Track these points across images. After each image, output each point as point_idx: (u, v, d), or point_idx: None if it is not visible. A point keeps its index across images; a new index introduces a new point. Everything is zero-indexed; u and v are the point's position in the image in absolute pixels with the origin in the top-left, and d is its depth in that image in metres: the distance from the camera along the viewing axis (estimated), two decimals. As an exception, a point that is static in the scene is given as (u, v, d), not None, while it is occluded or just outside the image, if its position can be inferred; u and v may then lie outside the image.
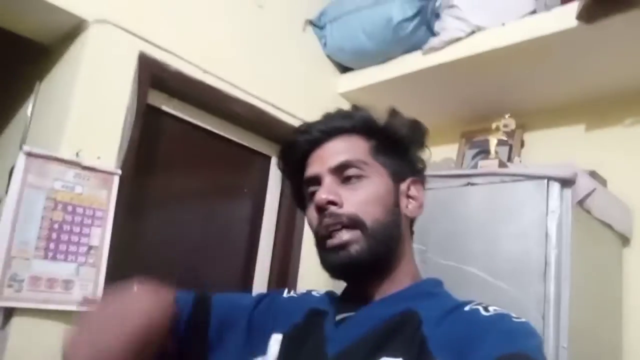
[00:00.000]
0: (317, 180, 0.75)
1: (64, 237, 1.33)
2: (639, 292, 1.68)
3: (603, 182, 1.66)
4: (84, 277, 1.35)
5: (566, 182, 1.44)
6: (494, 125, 1.87)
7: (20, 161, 1.29)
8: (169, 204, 1.76)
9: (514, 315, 0.63)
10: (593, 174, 1.57)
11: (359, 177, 0.73)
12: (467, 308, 0.66)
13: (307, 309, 0.80)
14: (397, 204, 0.75)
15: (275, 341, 0.76)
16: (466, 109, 2.19)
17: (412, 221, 0.79)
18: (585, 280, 1.47)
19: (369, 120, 0.77)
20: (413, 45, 1.96)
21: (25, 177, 1.29)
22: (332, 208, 0.71)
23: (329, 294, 0.83)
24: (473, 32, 1.80)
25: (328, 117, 0.79)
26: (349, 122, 0.77)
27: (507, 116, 1.85)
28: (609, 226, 1.62)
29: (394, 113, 0.79)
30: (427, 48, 1.90)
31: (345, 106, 2.29)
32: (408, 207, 0.76)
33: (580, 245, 1.45)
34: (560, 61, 1.75)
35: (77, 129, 1.41)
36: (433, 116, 2.31)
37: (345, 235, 0.70)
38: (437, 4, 1.93)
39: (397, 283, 0.73)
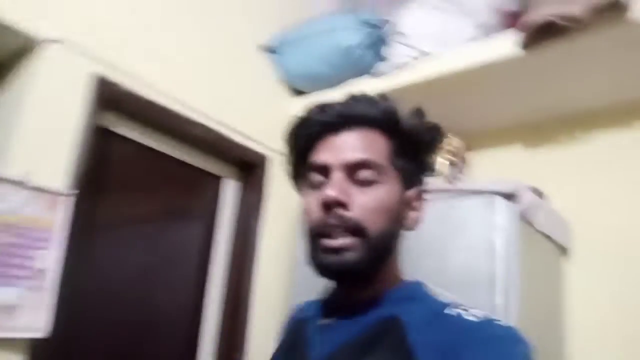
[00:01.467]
0: (325, 169, 0.71)
1: (9, 260, 1.28)
2: (578, 300, 1.77)
3: (542, 197, 1.75)
4: (29, 302, 1.29)
5: (509, 196, 1.52)
6: (441, 146, 1.95)
7: (-37, 182, 1.24)
8: (120, 227, 1.72)
9: (498, 319, 0.63)
10: (533, 189, 1.66)
11: (371, 181, 0.70)
12: (451, 312, 0.65)
13: (293, 322, 0.83)
14: (401, 213, 0.72)
15: None
16: (414, 131, 2.27)
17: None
18: (530, 291, 1.54)
19: (394, 116, 0.73)
20: (363, 70, 2.03)
21: (-32, 198, 1.24)
22: (339, 209, 0.68)
23: (312, 301, 0.83)
24: (419, 57, 1.88)
25: (351, 100, 0.74)
26: (373, 111, 0.72)
27: (450, 135, 1.94)
28: (549, 238, 1.71)
29: (420, 114, 0.76)
30: (376, 72, 1.97)
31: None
32: (410, 218, 0.74)
33: (525, 257, 1.52)
34: (502, 85, 1.85)
35: (26, 149, 1.37)
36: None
37: (345, 240, 0.67)
38: (385, 30, 2.01)
39: (380, 287, 0.72)
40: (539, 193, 1.67)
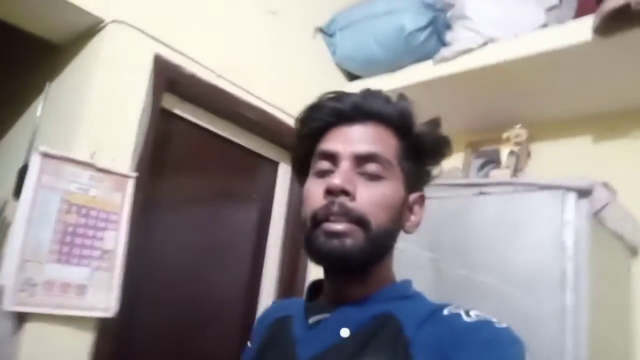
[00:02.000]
0: (333, 158, 0.70)
1: (78, 240, 1.30)
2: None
3: (614, 194, 1.67)
4: (97, 282, 1.31)
5: (583, 193, 1.45)
6: (504, 136, 1.88)
7: (35, 162, 1.26)
8: (177, 208, 1.73)
9: (495, 320, 0.62)
10: (607, 186, 1.58)
11: (377, 176, 0.69)
12: (446, 312, 0.65)
13: (271, 320, 0.80)
14: (402, 214, 0.72)
15: None
16: (473, 119, 2.20)
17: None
18: (600, 291, 1.48)
19: (409, 119, 0.73)
20: (423, 55, 1.97)
21: (40, 178, 1.26)
22: (343, 198, 0.67)
23: (293, 300, 0.82)
24: (485, 44, 1.81)
25: (368, 94, 0.73)
26: (389, 109, 0.72)
27: (518, 126, 1.86)
28: (620, 237, 1.63)
29: (436, 123, 0.75)
30: (438, 58, 1.91)
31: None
32: (409, 221, 0.74)
33: (596, 256, 1.46)
34: (571, 74, 1.77)
35: (91, 130, 1.38)
36: (439, 126, 2.33)
37: (346, 226, 0.66)
38: (449, 14, 1.94)
39: (373, 285, 0.71)
40: (611, 189, 1.59)
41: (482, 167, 2.11)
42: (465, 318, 0.62)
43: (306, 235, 0.69)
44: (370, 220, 0.67)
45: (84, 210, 1.32)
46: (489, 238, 1.61)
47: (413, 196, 0.74)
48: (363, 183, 0.68)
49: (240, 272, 1.90)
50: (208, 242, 1.80)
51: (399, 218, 0.71)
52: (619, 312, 1.65)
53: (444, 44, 1.94)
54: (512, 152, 1.87)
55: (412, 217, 0.74)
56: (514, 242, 1.55)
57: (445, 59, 1.90)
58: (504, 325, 0.62)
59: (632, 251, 1.73)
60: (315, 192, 0.69)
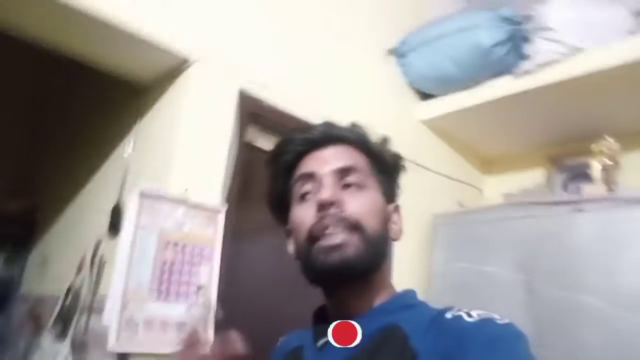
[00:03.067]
0: (313, 178, 0.73)
1: (175, 277, 1.31)
2: None
3: None
4: (194, 317, 1.32)
5: (698, 208, 1.35)
6: (594, 148, 1.78)
7: (133, 201, 1.29)
8: (259, 238, 1.73)
9: (497, 317, 0.62)
10: None
11: (359, 185, 0.72)
12: (449, 315, 0.65)
13: (283, 354, 0.81)
14: (386, 222, 0.75)
15: None
16: (554, 132, 2.11)
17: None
18: None
19: (367, 139, 0.78)
20: (501, 70, 1.91)
21: (139, 217, 1.28)
22: (334, 210, 0.69)
23: (303, 331, 0.81)
24: (570, 54, 1.73)
25: (327, 124, 0.78)
26: (350, 134, 0.77)
27: (609, 138, 1.77)
28: None
29: (385, 141, 0.80)
30: (520, 71, 1.84)
31: (428, 134, 2.22)
32: (392, 230, 0.76)
33: None
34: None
35: (183, 167, 1.40)
36: (517, 140, 2.26)
37: (343, 237, 0.68)
38: (528, 27, 1.87)
39: (376, 297, 0.72)
40: None
41: (567, 181, 2.01)
42: (467, 319, 0.62)
43: (304, 259, 0.72)
44: (363, 224, 0.69)
45: (178, 247, 1.33)
46: (590, 257, 1.53)
47: (390, 206, 0.77)
48: (348, 194, 0.71)
49: (314, 298, 1.87)
50: (293, 271, 1.78)
51: (386, 224, 0.74)
52: None
53: (521, 57, 1.88)
54: (604, 165, 1.77)
55: (394, 226, 0.77)
56: (618, 260, 1.47)
57: (525, 72, 1.83)
58: (506, 321, 0.62)
59: None
60: (304, 213, 0.72)
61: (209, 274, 1.37)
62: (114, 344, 1.19)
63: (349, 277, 0.69)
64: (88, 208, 1.79)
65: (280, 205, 0.79)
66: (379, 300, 0.72)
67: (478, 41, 1.85)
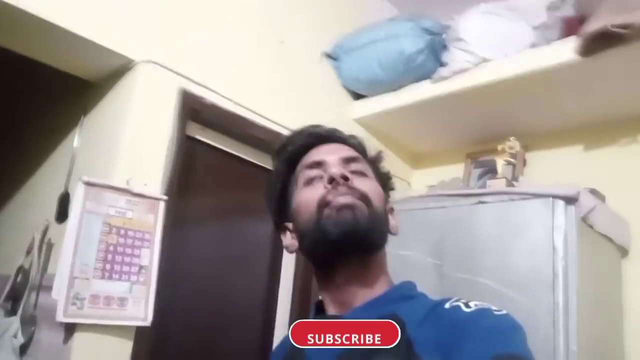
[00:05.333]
0: (320, 165, 0.77)
1: (118, 258, 1.46)
2: (637, 299, 1.82)
3: (602, 199, 1.81)
4: (136, 295, 1.47)
5: (570, 200, 1.59)
6: (499, 147, 2.03)
7: (80, 190, 1.42)
8: (201, 225, 1.90)
9: (494, 308, 0.64)
10: (593, 192, 1.72)
11: (363, 173, 0.77)
12: (447, 305, 0.66)
13: (284, 350, 0.79)
14: (386, 212, 0.78)
15: None
16: (471, 132, 2.35)
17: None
18: (590, 289, 1.61)
19: (367, 148, 0.85)
20: (423, 75, 2.12)
21: (85, 204, 1.42)
22: (343, 182, 0.72)
23: None
24: (479, 64, 1.96)
25: (332, 128, 0.85)
26: (353, 139, 0.84)
27: (512, 138, 2.01)
28: (609, 239, 1.77)
29: (380, 155, 0.86)
30: (436, 77, 2.06)
31: (361, 132, 2.42)
32: (391, 223, 0.79)
33: (585, 257, 1.59)
34: (559, 90, 1.92)
35: (126, 159, 1.54)
36: (440, 138, 2.48)
37: (354, 200, 0.71)
38: (445, 37, 2.09)
39: (374, 289, 0.73)
40: (598, 195, 1.73)
41: (481, 176, 2.26)
42: (464, 309, 0.64)
43: (312, 231, 0.72)
44: (371, 199, 0.73)
45: (122, 231, 1.48)
46: (488, 244, 1.75)
47: (388, 205, 0.81)
48: (354, 176, 0.75)
49: (259, 280, 2.06)
50: (230, 254, 1.96)
51: (386, 213, 0.77)
52: (610, 309, 1.78)
53: (441, 64, 2.10)
54: (507, 162, 2.01)
55: (392, 221, 0.79)
56: (511, 247, 1.69)
57: (442, 78, 2.06)
58: (503, 312, 0.63)
59: (622, 252, 1.87)
60: (312, 191, 0.74)
61: (150, 257, 1.53)
62: (61, 316, 1.33)
63: (358, 240, 0.70)
64: (36, 195, 1.90)
65: (280, 197, 0.81)
66: (379, 289, 0.73)
67: (401, 48, 2.05)
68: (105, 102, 1.69)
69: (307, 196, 0.74)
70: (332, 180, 0.72)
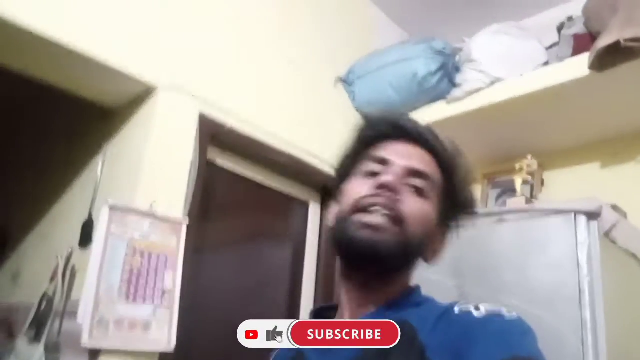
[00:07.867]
0: (385, 164, 0.74)
1: (142, 281, 1.47)
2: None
3: (624, 215, 1.79)
4: (160, 319, 1.48)
5: (592, 215, 1.58)
6: (517, 166, 2.03)
7: (104, 213, 1.44)
8: (220, 250, 1.91)
9: (505, 312, 0.63)
10: (615, 207, 1.71)
11: (421, 192, 0.73)
12: (457, 310, 0.66)
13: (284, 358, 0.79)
14: (428, 238, 0.75)
15: None
16: (487, 152, 2.35)
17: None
18: (616, 305, 1.59)
19: (454, 164, 0.78)
20: (436, 97, 2.15)
21: (109, 228, 1.44)
22: (389, 194, 0.70)
23: None
24: (492, 83, 1.98)
25: (428, 127, 0.80)
26: (438, 145, 0.78)
27: (529, 157, 2.01)
28: (633, 255, 1.74)
29: (468, 177, 0.81)
30: (450, 98, 2.09)
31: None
32: (431, 249, 0.77)
33: (609, 273, 1.57)
34: (574, 106, 1.93)
35: (149, 184, 1.56)
36: (455, 159, 2.49)
37: (383, 222, 0.69)
38: (458, 58, 2.12)
39: (388, 295, 0.73)
40: (620, 211, 1.72)
41: (499, 196, 2.25)
42: (475, 313, 0.64)
43: (339, 226, 0.73)
44: (408, 224, 0.70)
45: (146, 255, 1.49)
46: (509, 261, 1.73)
47: (439, 229, 0.78)
48: (408, 193, 0.72)
49: (279, 306, 2.05)
50: (250, 279, 1.96)
51: (428, 240, 0.74)
52: (637, 324, 1.75)
53: (454, 85, 2.12)
54: (525, 181, 2.01)
55: (433, 247, 0.77)
56: (533, 263, 1.67)
57: (457, 99, 2.08)
58: (514, 315, 0.63)
59: (646, 268, 1.84)
60: (361, 185, 0.73)
61: (173, 280, 1.53)
62: (87, 341, 1.34)
63: (373, 262, 0.70)
64: (59, 223, 1.92)
65: (342, 172, 0.80)
66: (389, 297, 0.73)
67: (414, 71, 2.08)
68: (127, 129, 1.72)
69: (355, 188, 0.74)
70: (382, 186, 0.71)
